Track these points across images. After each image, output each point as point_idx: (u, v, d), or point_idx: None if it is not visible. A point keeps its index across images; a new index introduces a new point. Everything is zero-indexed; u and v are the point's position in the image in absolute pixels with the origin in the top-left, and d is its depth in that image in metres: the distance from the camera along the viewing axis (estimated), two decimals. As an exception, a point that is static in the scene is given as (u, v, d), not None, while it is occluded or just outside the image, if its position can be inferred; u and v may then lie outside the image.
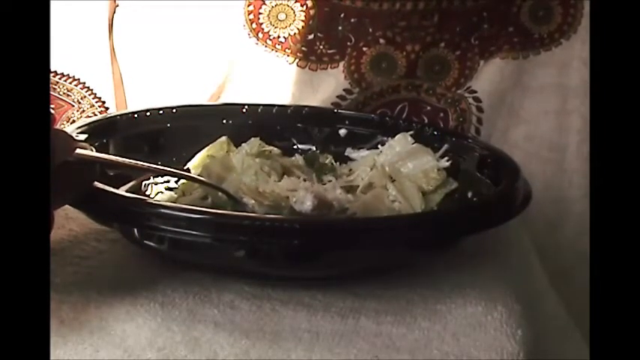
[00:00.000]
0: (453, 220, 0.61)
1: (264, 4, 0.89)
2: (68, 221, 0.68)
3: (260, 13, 0.89)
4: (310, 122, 0.81)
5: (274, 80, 0.91)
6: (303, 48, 0.90)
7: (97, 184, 0.59)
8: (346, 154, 0.78)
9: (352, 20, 0.89)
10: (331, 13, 0.89)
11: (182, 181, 0.72)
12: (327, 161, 0.77)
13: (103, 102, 0.93)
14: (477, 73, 0.92)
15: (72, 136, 0.59)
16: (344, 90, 0.91)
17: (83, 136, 0.66)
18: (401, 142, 0.75)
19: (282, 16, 0.89)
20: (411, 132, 0.75)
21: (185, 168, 0.74)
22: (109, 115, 0.80)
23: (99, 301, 0.58)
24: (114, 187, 0.61)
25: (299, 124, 0.81)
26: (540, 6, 0.92)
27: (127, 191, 0.68)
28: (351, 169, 0.75)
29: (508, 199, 0.64)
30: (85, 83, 0.92)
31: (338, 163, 0.77)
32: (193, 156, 0.76)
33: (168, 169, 0.68)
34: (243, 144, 0.76)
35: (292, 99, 0.91)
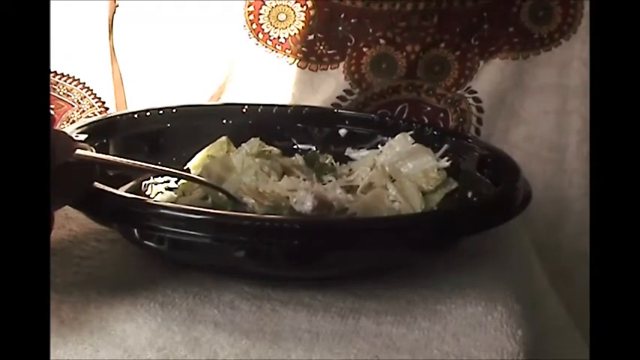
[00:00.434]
0: (453, 220, 0.61)
1: (265, 4, 0.89)
2: (68, 221, 0.68)
3: (260, 14, 0.89)
4: (310, 122, 0.81)
5: (274, 81, 0.91)
6: (304, 48, 0.90)
7: (97, 184, 0.59)
8: (346, 154, 0.78)
9: (352, 21, 0.89)
10: (331, 14, 0.89)
11: (182, 181, 0.72)
12: (327, 161, 0.77)
13: (103, 102, 0.93)
14: (477, 73, 0.92)
15: (72, 137, 0.59)
16: (344, 90, 0.91)
17: (83, 137, 0.66)
18: (401, 142, 0.74)
19: (282, 17, 0.89)
20: (411, 132, 0.75)
21: (185, 168, 0.74)
22: (109, 116, 0.80)
23: (99, 301, 0.58)
24: (114, 188, 0.61)
25: (299, 124, 0.81)
26: (540, 6, 0.92)
27: (127, 191, 0.68)
28: (351, 169, 0.75)
29: (508, 199, 0.64)
30: (85, 83, 0.92)
31: (338, 163, 0.77)
32: (193, 156, 0.75)
33: (168, 169, 0.68)
34: (243, 144, 0.75)
35: (292, 100, 0.91)
